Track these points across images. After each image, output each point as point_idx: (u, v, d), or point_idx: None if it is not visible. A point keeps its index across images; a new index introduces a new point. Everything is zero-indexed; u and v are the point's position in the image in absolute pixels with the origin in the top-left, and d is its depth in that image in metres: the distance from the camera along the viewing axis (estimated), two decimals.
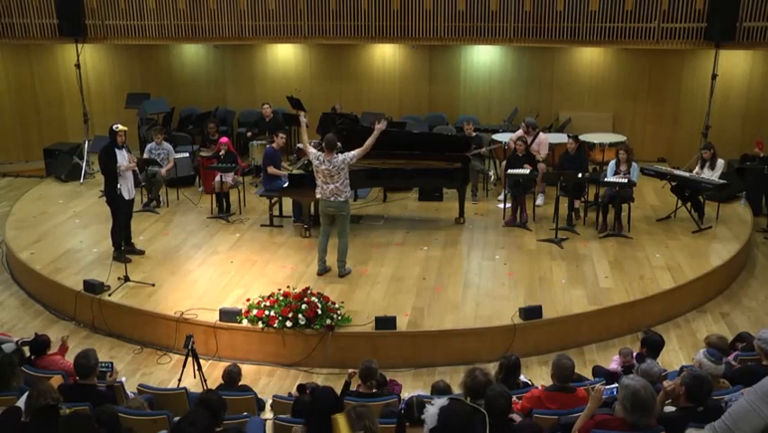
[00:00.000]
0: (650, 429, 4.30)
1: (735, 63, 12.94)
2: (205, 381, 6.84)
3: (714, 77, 12.22)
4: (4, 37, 13.77)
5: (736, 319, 8.83)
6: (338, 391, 5.59)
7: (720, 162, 10.58)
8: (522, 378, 6.26)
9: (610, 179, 10.32)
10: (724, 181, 10.59)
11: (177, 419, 4.60)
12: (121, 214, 9.37)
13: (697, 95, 13.01)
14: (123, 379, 6.79)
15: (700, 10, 12.18)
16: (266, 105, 12.89)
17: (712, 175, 10.46)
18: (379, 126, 8.88)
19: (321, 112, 13.15)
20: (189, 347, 6.71)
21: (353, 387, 5.91)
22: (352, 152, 8.75)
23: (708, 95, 12.30)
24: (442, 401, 4.01)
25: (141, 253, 9.71)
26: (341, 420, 3.27)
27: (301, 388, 6.02)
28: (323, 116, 12.92)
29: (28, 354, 6.60)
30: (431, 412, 3.98)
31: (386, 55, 14.59)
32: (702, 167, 10.59)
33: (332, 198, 8.73)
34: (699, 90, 12.95)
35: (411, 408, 4.32)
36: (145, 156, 11.46)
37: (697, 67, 13.15)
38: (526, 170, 10.51)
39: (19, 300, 9.49)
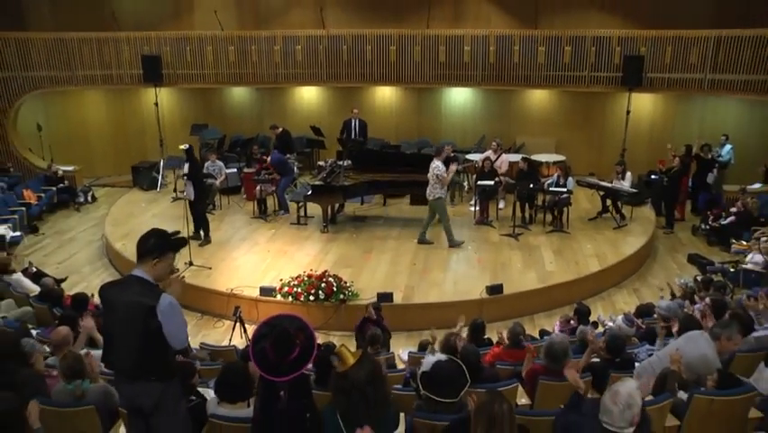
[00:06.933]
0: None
1: (643, 103, 12.94)
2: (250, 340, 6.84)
3: (628, 112, 12.31)
4: (106, 84, 13.82)
5: (643, 293, 8.87)
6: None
7: (629, 175, 10.65)
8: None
9: (553, 189, 10.35)
10: (635, 190, 10.66)
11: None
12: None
13: (616, 125, 12.97)
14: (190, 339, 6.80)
15: (618, 63, 12.28)
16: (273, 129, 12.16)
17: (623, 184, 10.51)
18: None
19: (335, 137, 13.09)
20: (237, 315, 6.71)
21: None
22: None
23: (624, 125, 12.34)
24: (441, 356, 3.95)
25: (198, 238, 9.75)
26: (344, 351, 3.21)
27: (317, 346, 6.02)
28: (339, 140, 12.88)
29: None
30: (428, 360, 3.92)
31: (385, 95, 14.57)
32: (617, 177, 10.72)
33: None
34: (617, 122, 12.91)
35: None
36: (205, 172, 11.41)
37: (616, 105, 13.12)
38: (491, 182, 10.51)
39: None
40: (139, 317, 3.08)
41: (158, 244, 3.23)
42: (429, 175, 9.25)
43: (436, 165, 9.17)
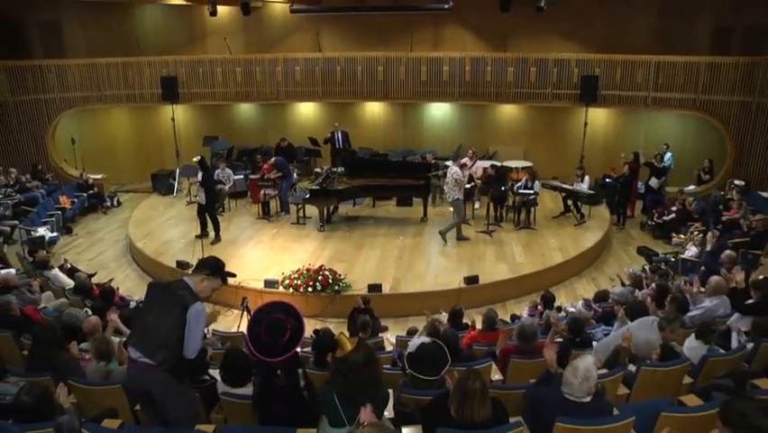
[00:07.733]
0: (534, 353, 4.30)
1: (598, 116, 13.01)
2: None
3: (585, 124, 12.37)
4: (130, 102, 13.78)
5: (600, 281, 8.92)
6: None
7: (587, 178, 10.74)
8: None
9: (522, 191, 10.38)
10: (592, 192, 10.72)
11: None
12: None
13: (575, 135, 13.04)
14: None
15: (576, 82, 12.37)
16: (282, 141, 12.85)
17: (582, 186, 10.58)
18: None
19: (330, 147, 13.07)
20: (244, 305, 6.65)
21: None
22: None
23: (582, 135, 12.41)
24: (426, 339, 3.93)
25: (206, 236, 9.67)
26: (343, 338, 3.18)
27: (316, 331, 6.02)
28: (333, 150, 12.83)
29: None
30: (414, 342, 3.90)
31: (374, 109, 14.54)
32: (577, 180, 10.77)
33: None
34: (576, 132, 12.98)
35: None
36: (215, 178, 11.31)
37: (575, 118, 13.18)
38: (468, 185, 10.47)
39: (137, 274, 9.43)
40: (177, 309, 3.15)
41: (212, 265, 3.47)
42: (448, 179, 9.22)
43: (455, 171, 9.12)
